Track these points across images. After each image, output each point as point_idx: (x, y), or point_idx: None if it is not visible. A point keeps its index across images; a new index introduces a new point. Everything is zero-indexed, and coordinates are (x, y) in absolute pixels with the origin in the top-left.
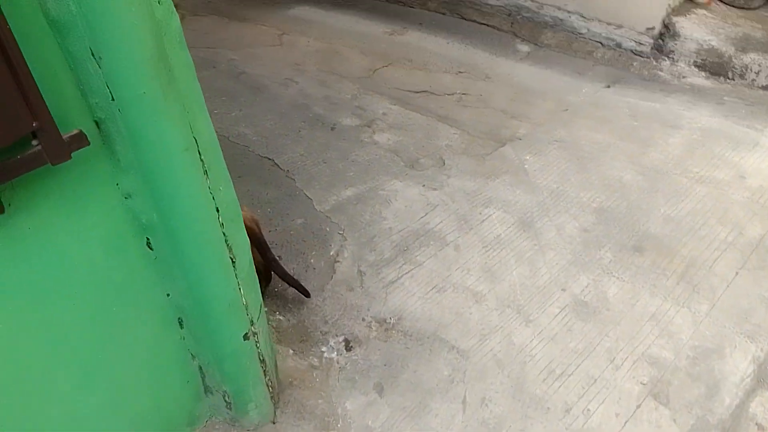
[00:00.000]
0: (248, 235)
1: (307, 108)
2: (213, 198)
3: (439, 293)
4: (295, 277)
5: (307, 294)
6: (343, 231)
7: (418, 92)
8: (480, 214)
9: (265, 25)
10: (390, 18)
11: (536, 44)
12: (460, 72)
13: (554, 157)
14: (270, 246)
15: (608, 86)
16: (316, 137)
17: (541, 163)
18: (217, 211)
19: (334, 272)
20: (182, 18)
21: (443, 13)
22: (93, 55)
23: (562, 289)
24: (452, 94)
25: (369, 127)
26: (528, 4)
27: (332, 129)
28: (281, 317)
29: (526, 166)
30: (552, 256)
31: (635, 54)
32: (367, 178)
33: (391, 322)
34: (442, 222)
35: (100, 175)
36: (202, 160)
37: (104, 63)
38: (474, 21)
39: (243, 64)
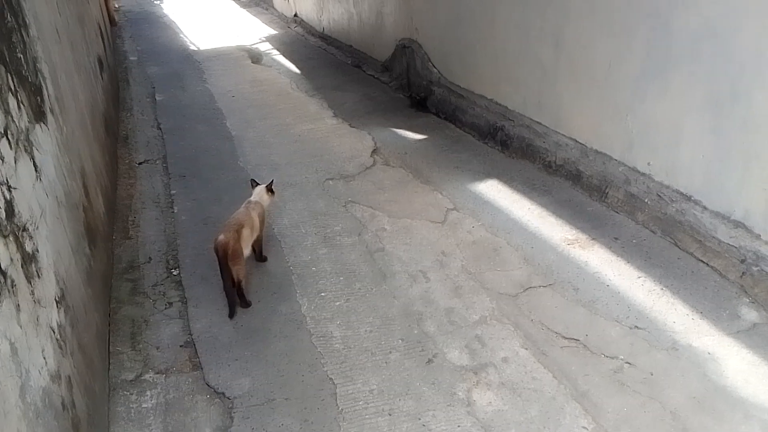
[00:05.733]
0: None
1: (418, 320)
2: None
3: None
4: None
5: (231, 311)
6: None
7: (566, 339)
8: None
9: (441, 193)
10: (582, 219)
11: None
12: (636, 327)
13: None
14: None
15: None
16: (402, 369)
17: None
18: None
19: None
20: (372, 165)
21: (652, 231)
22: None
23: None
24: (611, 358)
25: (476, 374)
26: None
27: (428, 362)
28: None
29: None
30: None
31: None
32: None
33: None
34: None
35: None
36: None
37: None
38: (691, 254)
39: (388, 239)
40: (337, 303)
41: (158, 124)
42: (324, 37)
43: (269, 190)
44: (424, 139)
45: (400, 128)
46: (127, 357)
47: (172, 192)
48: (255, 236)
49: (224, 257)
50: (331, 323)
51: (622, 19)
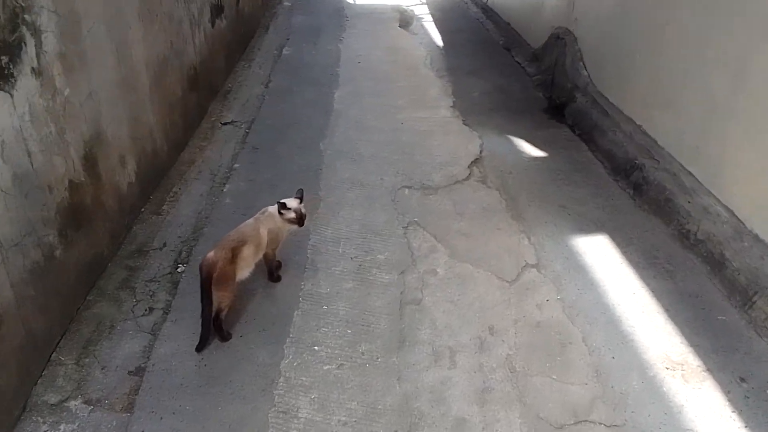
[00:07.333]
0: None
1: (412, 427)
2: None
3: None
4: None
5: (200, 345)
6: None
7: None
8: None
9: (529, 238)
10: (703, 332)
11: None
12: None
13: None
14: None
15: None
16: None
17: None
18: None
19: None
20: (465, 178)
21: None
22: None
23: None
24: None
25: None
26: None
27: None
28: None
29: None
30: None
31: None
32: None
33: None
34: None
35: None
36: None
37: None
38: None
39: (433, 289)
40: (326, 367)
41: (268, 82)
42: (486, 9)
43: (280, 212)
44: (542, 157)
45: (520, 137)
46: (64, 372)
47: (235, 166)
48: (260, 255)
49: (207, 280)
50: (305, 395)
51: None
